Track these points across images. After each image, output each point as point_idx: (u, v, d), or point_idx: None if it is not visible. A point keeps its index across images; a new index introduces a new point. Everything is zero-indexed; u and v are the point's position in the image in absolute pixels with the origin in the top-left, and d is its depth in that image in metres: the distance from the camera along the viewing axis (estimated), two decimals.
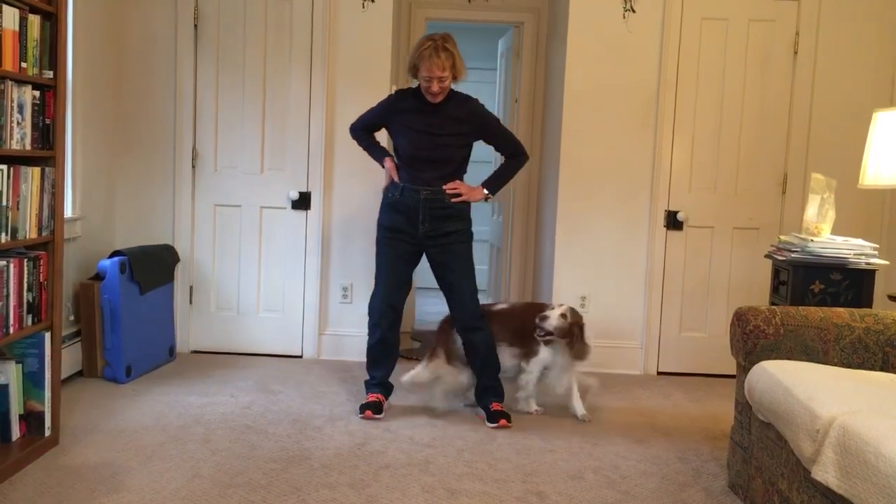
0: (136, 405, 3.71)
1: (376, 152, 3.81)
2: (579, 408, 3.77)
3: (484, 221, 7.01)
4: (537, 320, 3.65)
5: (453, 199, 3.64)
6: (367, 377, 3.81)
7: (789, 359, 2.78)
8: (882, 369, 2.77)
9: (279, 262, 4.70)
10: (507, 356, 3.82)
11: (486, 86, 7.30)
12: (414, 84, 3.72)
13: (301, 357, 4.72)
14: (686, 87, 4.58)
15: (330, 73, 4.60)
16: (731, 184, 4.64)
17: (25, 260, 2.92)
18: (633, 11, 4.55)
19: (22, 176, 2.87)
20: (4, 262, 2.80)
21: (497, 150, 3.82)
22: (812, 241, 3.37)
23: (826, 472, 2.08)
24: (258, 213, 4.68)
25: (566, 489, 2.94)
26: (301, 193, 4.63)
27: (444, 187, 3.63)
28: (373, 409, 3.64)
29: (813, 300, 3.34)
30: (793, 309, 2.88)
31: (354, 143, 3.87)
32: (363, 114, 3.84)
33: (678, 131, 4.61)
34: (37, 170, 2.96)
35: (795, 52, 4.56)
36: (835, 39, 4.55)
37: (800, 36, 4.55)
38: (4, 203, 2.79)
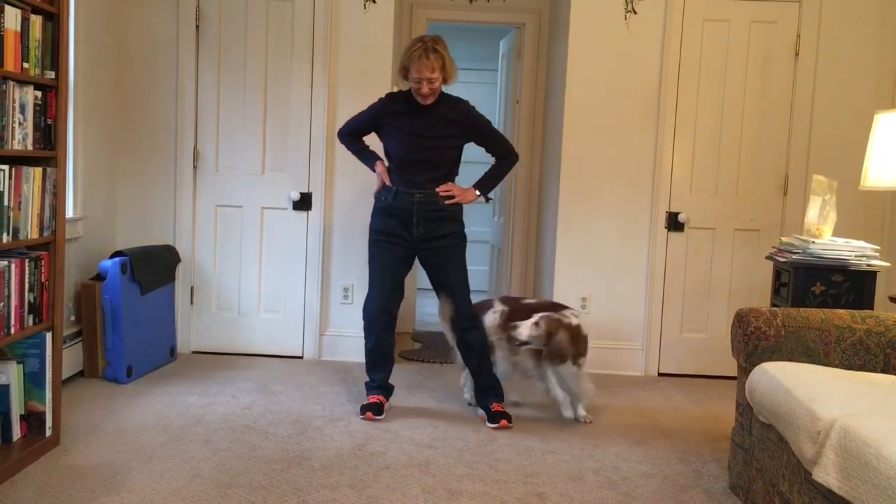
0: (137, 405, 3.71)
1: (367, 156, 3.81)
2: (570, 411, 3.70)
3: (485, 222, 7.02)
4: (510, 330, 3.63)
5: (446, 202, 3.65)
6: (367, 379, 3.81)
7: (790, 360, 2.78)
8: (883, 371, 2.77)
9: (280, 263, 4.70)
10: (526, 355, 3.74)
11: (487, 86, 7.33)
12: (405, 87, 3.72)
13: (302, 358, 4.72)
14: (687, 88, 4.59)
15: (331, 73, 4.60)
16: (732, 185, 4.64)
17: (27, 260, 2.92)
18: (635, 13, 4.56)
19: (23, 176, 2.87)
20: (6, 263, 2.80)
21: (488, 151, 3.82)
22: (813, 242, 3.37)
23: (827, 474, 2.08)
24: (259, 214, 4.68)
25: (567, 490, 2.94)
26: (302, 194, 4.64)
27: (438, 189, 3.64)
28: (373, 411, 3.64)
29: (814, 302, 3.34)
30: (794, 310, 2.88)
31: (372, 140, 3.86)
32: (351, 118, 3.85)
33: (679, 132, 4.61)
34: (38, 170, 2.97)
35: (797, 54, 4.56)
36: (836, 41, 4.55)
37: (801, 37, 4.55)
38: (6, 203, 2.79)
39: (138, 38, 4.58)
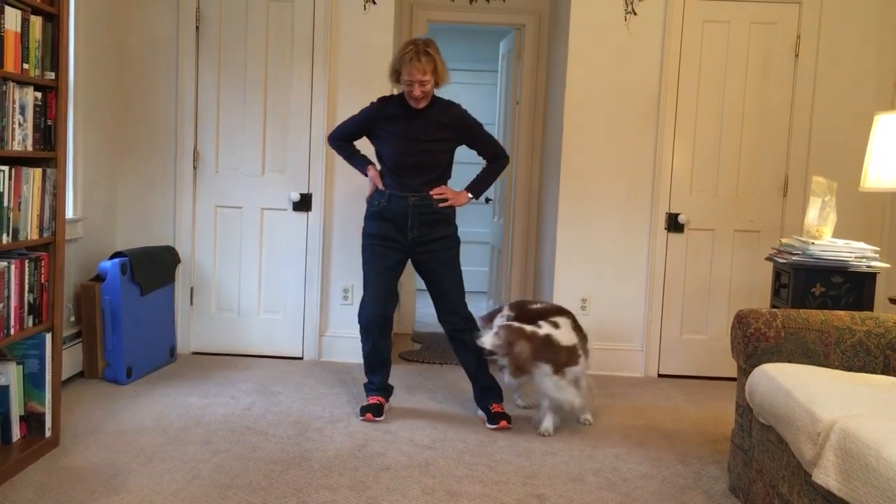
0: (137, 406, 3.71)
1: (358, 161, 3.81)
2: (546, 422, 3.59)
3: (484, 223, 7.02)
4: (475, 339, 3.61)
5: (440, 204, 3.66)
6: (366, 380, 3.81)
7: (790, 362, 2.78)
8: (883, 372, 2.77)
9: (280, 264, 4.70)
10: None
11: (487, 88, 7.33)
12: (396, 91, 3.73)
13: (302, 359, 4.72)
14: (687, 89, 4.59)
15: (331, 74, 4.60)
16: (732, 186, 4.64)
17: (26, 261, 2.92)
18: (635, 14, 4.56)
19: (23, 177, 2.87)
20: (6, 263, 2.80)
21: (480, 154, 3.83)
22: (813, 243, 3.37)
23: (827, 475, 2.08)
24: (259, 215, 4.68)
25: (566, 491, 2.94)
26: (302, 195, 4.64)
27: (431, 192, 3.65)
28: (373, 412, 3.64)
29: (814, 303, 3.34)
30: (794, 312, 2.88)
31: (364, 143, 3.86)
32: (342, 123, 3.86)
33: (679, 134, 4.61)
34: (38, 171, 2.97)
35: (797, 55, 4.56)
36: (836, 42, 4.55)
37: (801, 39, 4.55)
38: (6, 204, 2.79)
39: (138, 39, 4.58)
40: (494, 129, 6.29)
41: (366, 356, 3.75)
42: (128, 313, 4.09)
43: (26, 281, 2.93)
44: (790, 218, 4.60)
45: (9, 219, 2.81)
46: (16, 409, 2.99)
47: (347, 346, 4.62)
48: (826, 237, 3.43)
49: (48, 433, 3.08)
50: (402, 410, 3.83)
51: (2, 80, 2.74)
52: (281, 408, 3.78)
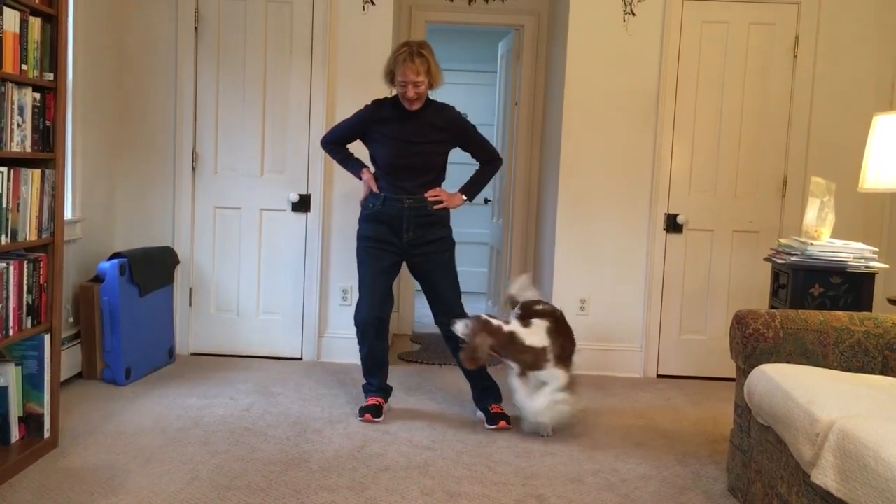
0: (136, 407, 3.71)
1: (352, 164, 3.81)
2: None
3: (483, 224, 7.02)
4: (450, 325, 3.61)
5: (435, 206, 3.66)
6: (365, 381, 3.81)
7: (789, 362, 2.78)
8: (882, 373, 2.77)
9: (279, 265, 4.70)
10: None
11: (485, 88, 7.33)
12: (390, 94, 3.74)
13: (300, 359, 4.72)
14: (686, 90, 4.59)
15: (330, 75, 4.60)
16: (730, 187, 4.64)
17: (25, 262, 2.92)
18: (634, 15, 4.56)
19: (22, 178, 2.87)
20: (4, 264, 2.80)
21: (473, 156, 3.84)
22: (812, 244, 3.38)
23: (825, 476, 2.08)
24: (258, 216, 4.68)
25: (565, 492, 2.94)
26: (301, 196, 4.64)
27: (426, 195, 3.65)
28: (372, 413, 3.64)
29: (812, 303, 3.34)
30: (792, 312, 2.88)
31: (358, 144, 3.86)
32: (335, 126, 3.88)
33: (678, 134, 4.61)
34: (37, 172, 2.97)
35: (795, 56, 4.56)
36: (835, 43, 4.55)
37: (799, 39, 4.55)
38: (4, 205, 2.79)
39: (137, 40, 4.58)
40: (493, 130, 6.29)
41: (363, 359, 3.76)
42: (126, 314, 4.09)
43: (25, 282, 2.93)
44: (789, 218, 4.60)
45: (7, 220, 2.81)
46: (14, 411, 2.99)
47: (346, 346, 4.62)
48: (824, 238, 3.43)
49: (47, 434, 3.08)
50: (401, 411, 3.83)
51: (0, 80, 2.74)
52: (280, 409, 3.78)
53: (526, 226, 5.58)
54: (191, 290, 4.71)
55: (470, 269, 6.65)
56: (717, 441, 3.58)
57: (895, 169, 3.27)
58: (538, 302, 4.00)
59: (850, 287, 3.35)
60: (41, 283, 3.04)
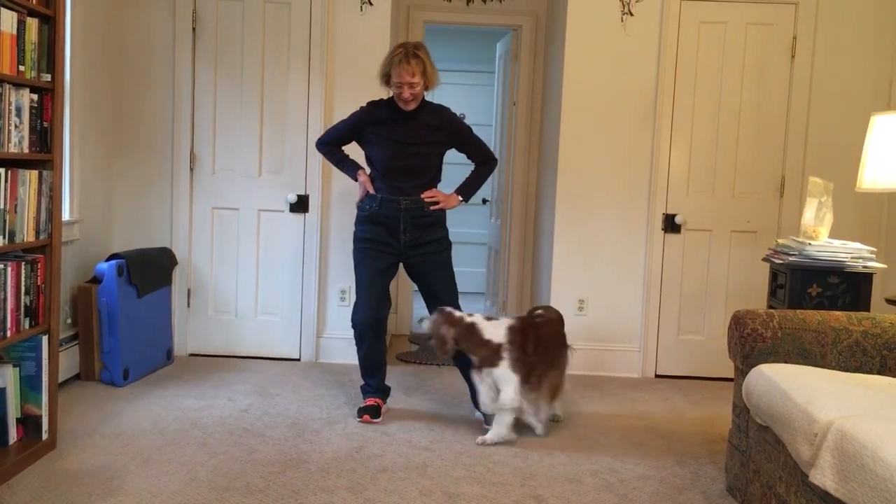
0: (134, 408, 3.71)
1: (348, 166, 3.81)
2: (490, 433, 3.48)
3: (482, 224, 7.02)
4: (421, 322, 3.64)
5: (432, 207, 3.66)
6: (363, 382, 3.81)
7: (787, 362, 2.78)
8: (880, 373, 2.77)
9: (277, 265, 4.70)
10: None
11: (484, 89, 7.32)
12: (386, 96, 3.75)
13: (299, 360, 4.72)
14: (684, 90, 4.59)
15: (328, 76, 4.60)
16: (728, 187, 4.64)
17: (23, 263, 2.92)
18: (631, 15, 4.56)
19: (20, 179, 2.87)
20: (2, 266, 2.80)
21: (469, 157, 3.85)
22: (810, 244, 3.38)
23: (824, 476, 2.08)
24: (256, 216, 4.68)
25: (564, 493, 2.94)
26: (299, 196, 4.63)
27: (423, 195, 3.66)
28: (371, 413, 3.64)
29: (810, 303, 3.35)
30: (790, 312, 2.88)
31: (353, 146, 3.86)
32: (330, 128, 3.88)
33: (676, 134, 4.61)
34: (34, 173, 2.96)
35: (793, 56, 4.57)
36: (832, 43, 4.55)
37: (797, 40, 4.55)
38: (2, 206, 2.78)
39: (135, 41, 4.58)
40: (491, 131, 6.30)
41: (361, 360, 3.76)
42: (125, 315, 4.09)
43: (23, 283, 2.92)
44: (787, 218, 4.60)
45: (5, 221, 2.81)
46: (12, 412, 2.98)
47: (345, 347, 4.62)
48: (822, 238, 3.44)
49: (45, 436, 3.08)
50: (400, 412, 3.83)
51: None
52: (278, 409, 3.77)
53: (524, 226, 5.59)
54: (189, 290, 4.70)
55: (468, 269, 6.65)
56: (715, 441, 3.58)
57: (893, 169, 3.27)
58: (539, 307, 3.98)
59: (848, 287, 3.35)
60: (39, 284, 3.04)
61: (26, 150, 2.93)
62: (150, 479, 2.89)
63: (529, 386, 3.46)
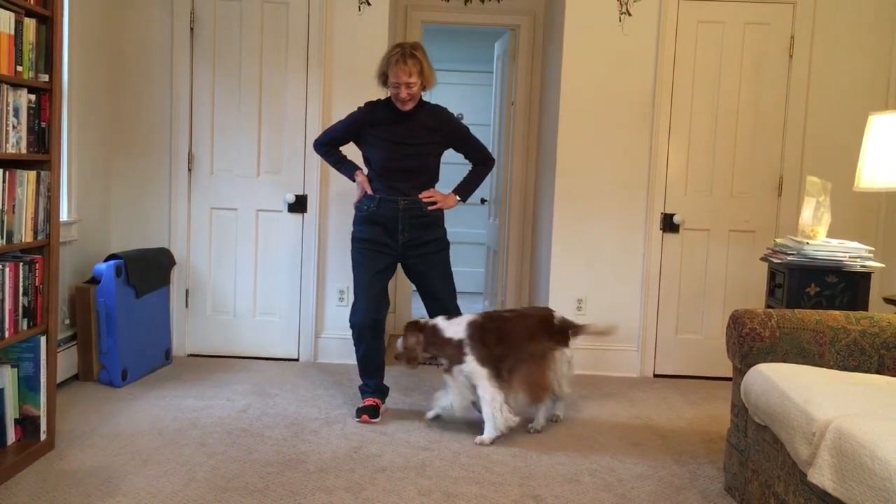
0: (132, 409, 3.70)
1: (346, 167, 3.81)
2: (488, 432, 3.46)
3: (480, 224, 7.02)
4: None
5: (430, 207, 3.67)
6: (362, 382, 3.81)
7: (785, 361, 2.78)
8: (878, 372, 2.78)
9: (275, 266, 4.70)
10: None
11: (482, 88, 7.33)
12: (383, 96, 3.75)
13: (297, 360, 4.72)
14: (682, 89, 4.60)
15: (326, 76, 4.60)
16: (727, 186, 4.65)
17: (21, 264, 2.92)
18: (629, 15, 4.56)
19: (17, 180, 2.87)
20: (0, 267, 2.79)
21: (467, 157, 3.85)
22: (808, 243, 3.38)
23: (822, 475, 2.08)
24: (254, 217, 4.68)
25: (563, 492, 2.94)
26: (297, 196, 4.63)
27: (420, 196, 3.66)
28: (369, 413, 3.64)
29: (809, 303, 3.35)
30: (789, 312, 2.88)
31: (350, 146, 3.86)
32: (328, 129, 3.87)
33: (674, 134, 4.62)
34: (32, 173, 2.96)
35: (791, 56, 4.57)
36: (830, 42, 4.56)
37: (795, 39, 4.56)
38: (0, 207, 2.78)
39: (133, 41, 4.57)
40: (489, 130, 6.30)
41: (359, 360, 3.76)
42: (123, 316, 4.08)
43: (21, 284, 2.92)
44: (785, 218, 4.61)
45: (3, 222, 2.81)
46: (10, 413, 2.98)
47: (343, 347, 4.62)
48: (820, 237, 3.44)
49: (43, 436, 3.08)
50: (398, 412, 3.83)
51: None
52: (277, 410, 3.77)
53: (522, 226, 5.59)
54: (187, 291, 4.70)
55: (466, 269, 6.66)
56: (713, 440, 3.58)
57: (890, 168, 3.28)
58: (532, 307, 3.99)
59: (847, 286, 3.35)
60: (37, 284, 3.03)
61: (24, 151, 2.93)
62: (149, 480, 2.89)
63: (501, 380, 3.47)
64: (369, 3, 4.57)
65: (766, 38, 4.57)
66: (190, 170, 4.64)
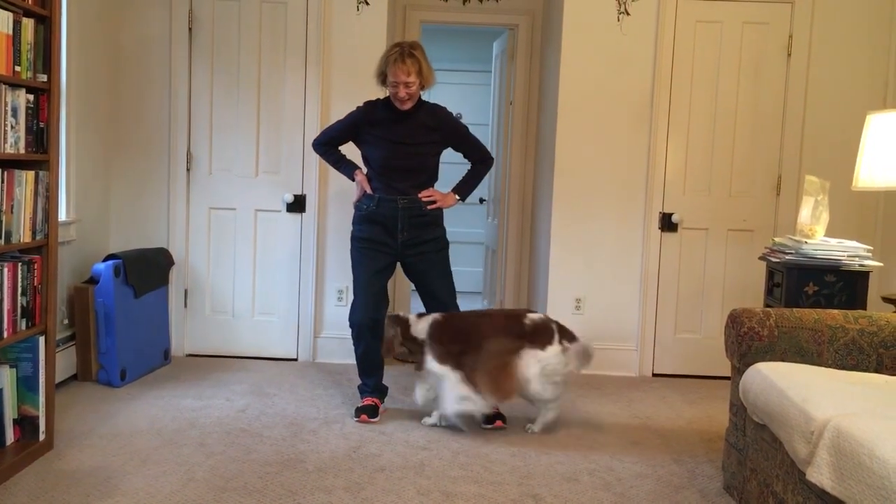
0: (131, 409, 3.70)
1: (345, 166, 3.82)
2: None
3: (479, 223, 7.02)
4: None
5: (429, 207, 3.67)
6: (361, 382, 3.81)
7: (784, 360, 2.78)
8: (876, 371, 2.78)
9: (274, 265, 4.70)
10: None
11: (480, 88, 7.33)
12: (382, 95, 3.75)
13: (296, 360, 4.72)
14: (680, 89, 4.60)
15: (324, 76, 4.60)
16: (725, 186, 4.65)
17: (19, 264, 2.91)
18: (628, 14, 4.57)
19: (16, 180, 2.87)
20: None
21: (466, 156, 3.86)
22: (806, 243, 3.38)
23: (821, 474, 2.09)
24: (253, 217, 4.67)
25: (561, 491, 2.94)
26: (296, 196, 4.63)
27: (420, 195, 3.66)
28: (368, 413, 3.64)
29: (807, 302, 3.35)
30: (787, 311, 2.88)
31: (348, 145, 3.86)
32: (327, 128, 3.88)
33: (673, 133, 4.62)
34: (31, 173, 2.96)
35: (789, 55, 4.57)
36: (828, 42, 4.56)
37: (793, 38, 4.56)
38: None
39: (131, 41, 4.57)
40: (488, 130, 6.30)
41: (358, 360, 3.76)
42: (122, 316, 4.08)
43: (19, 284, 2.92)
44: (783, 217, 4.61)
45: (1, 222, 2.80)
46: (9, 413, 2.98)
47: (342, 347, 4.62)
48: (819, 236, 3.44)
49: (42, 436, 3.07)
50: (397, 411, 3.83)
51: None
52: (275, 409, 3.77)
53: (521, 225, 5.59)
54: (186, 291, 4.70)
55: (465, 268, 6.66)
56: (712, 439, 3.59)
57: (889, 167, 3.28)
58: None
59: (845, 285, 3.35)
60: (35, 284, 3.03)
61: (22, 151, 2.93)
62: (148, 480, 2.89)
63: (464, 377, 3.47)
64: (368, 3, 4.57)
65: (764, 38, 4.57)
66: (188, 170, 4.64)
